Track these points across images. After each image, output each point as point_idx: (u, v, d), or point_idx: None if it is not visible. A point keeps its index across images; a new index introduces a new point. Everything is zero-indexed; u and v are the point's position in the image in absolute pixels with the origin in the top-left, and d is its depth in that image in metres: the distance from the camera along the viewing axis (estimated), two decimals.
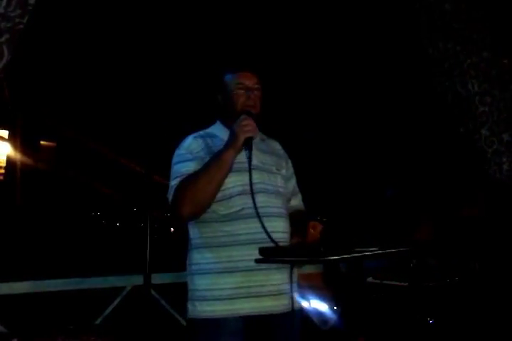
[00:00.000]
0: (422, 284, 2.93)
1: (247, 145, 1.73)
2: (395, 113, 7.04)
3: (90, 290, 2.79)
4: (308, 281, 1.95)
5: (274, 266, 1.73)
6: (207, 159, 1.77)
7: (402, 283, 2.96)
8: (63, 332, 2.00)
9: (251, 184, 1.70)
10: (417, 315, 2.84)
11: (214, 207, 1.76)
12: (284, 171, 1.95)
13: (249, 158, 1.74)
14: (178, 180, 1.76)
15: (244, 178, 1.76)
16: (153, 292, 2.86)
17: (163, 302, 2.95)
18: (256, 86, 1.88)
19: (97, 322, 2.74)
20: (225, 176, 1.73)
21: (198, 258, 1.80)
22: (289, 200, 1.97)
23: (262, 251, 1.52)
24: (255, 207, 1.69)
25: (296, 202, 2.02)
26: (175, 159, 1.85)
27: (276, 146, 2.04)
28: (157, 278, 2.87)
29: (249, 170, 1.72)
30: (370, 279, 3.05)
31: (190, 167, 1.77)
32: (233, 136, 1.73)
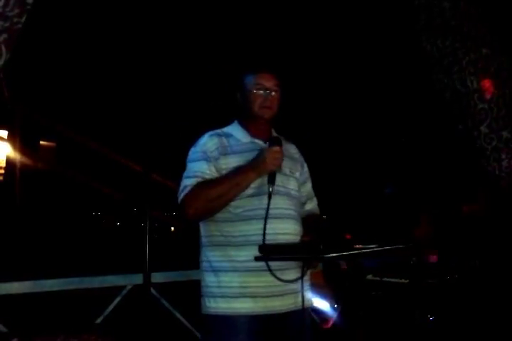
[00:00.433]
0: (422, 281, 2.93)
1: (271, 177, 1.75)
2: (394, 110, 7.04)
3: (90, 290, 2.79)
4: (308, 279, 1.95)
5: (284, 266, 1.74)
6: (220, 159, 1.80)
7: (402, 281, 2.96)
8: (64, 332, 2.00)
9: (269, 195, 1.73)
10: (417, 312, 2.85)
11: (226, 206, 1.77)
12: (298, 174, 1.96)
13: (270, 193, 1.75)
14: (192, 180, 1.78)
15: (258, 180, 1.78)
16: (153, 291, 2.86)
17: (163, 301, 2.95)
18: (274, 87, 1.89)
19: (98, 321, 2.75)
20: (238, 194, 1.75)
21: (209, 255, 1.82)
22: (303, 204, 1.98)
23: (261, 248, 1.52)
24: (267, 209, 1.71)
25: (311, 205, 2.03)
26: (190, 156, 1.87)
27: (292, 150, 2.04)
28: (157, 277, 2.88)
29: (269, 195, 1.73)
30: (370, 276, 3.05)
31: (203, 167, 1.79)
32: (261, 162, 1.74)
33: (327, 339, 3.22)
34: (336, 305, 3.24)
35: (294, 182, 1.92)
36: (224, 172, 1.79)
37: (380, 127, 7.67)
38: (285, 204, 1.82)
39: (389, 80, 6.89)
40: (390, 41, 5.95)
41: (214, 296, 1.77)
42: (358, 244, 1.48)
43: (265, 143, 1.87)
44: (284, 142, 2.00)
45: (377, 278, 3.01)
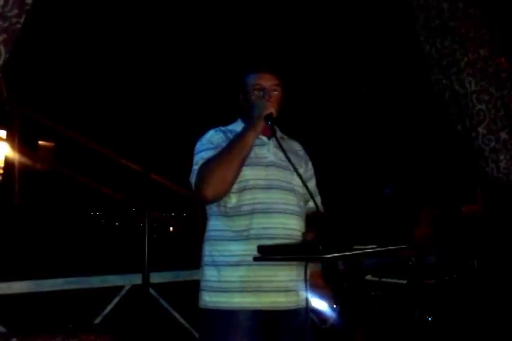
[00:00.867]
0: (421, 282, 2.93)
1: (269, 122, 1.75)
2: (393, 111, 7.04)
3: (89, 290, 2.79)
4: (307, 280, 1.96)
5: (282, 262, 1.74)
6: None
7: (401, 281, 2.97)
8: (63, 331, 2.00)
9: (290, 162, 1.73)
10: (416, 313, 2.85)
11: (225, 199, 1.78)
12: (302, 170, 1.95)
13: (274, 131, 1.77)
14: (201, 163, 1.78)
15: (259, 173, 1.80)
16: (152, 291, 2.86)
17: (162, 301, 2.96)
18: (273, 87, 1.90)
19: (96, 321, 2.74)
20: (246, 157, 1.75)
21: (210, 250, 1.83)
22: (307, 201, 1.98)
23: (260, 248, 1.52)
24: (267, 203, 1.73)
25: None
26: (197, 149, 1.88)
27: (296, 147, 2.05)
28: (156, 277, 2.88)
29: (281, 147, 1.75)
30: (369, 277, 3.05)
31: (210, 153, 1.80)
32: (252, 118, 1.77)
33: (326, 339, 3.23)
34: (334, 306, 3.24)
35: (298, 178, 1.93)
36: None
37: (380, 127, 7.67)
38: (289, 199, 1.83)
39: (388, 81, 6.90)
40: (389, 41, 5.96)
41: (214, 290, 1.78)
42: (357, 245, 1.48)
43: (269, 139, 1.89)
44: (287, 139, 2.01)
45: (376, 279, 3.01)
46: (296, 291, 1.78)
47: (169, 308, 3.00)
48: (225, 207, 1.80)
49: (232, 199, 1.78)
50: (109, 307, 2.79)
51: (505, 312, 2.75)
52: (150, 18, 6.94)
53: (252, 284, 1.74)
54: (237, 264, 1.75)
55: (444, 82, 3.11)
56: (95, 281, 2.81)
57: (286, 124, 1.98)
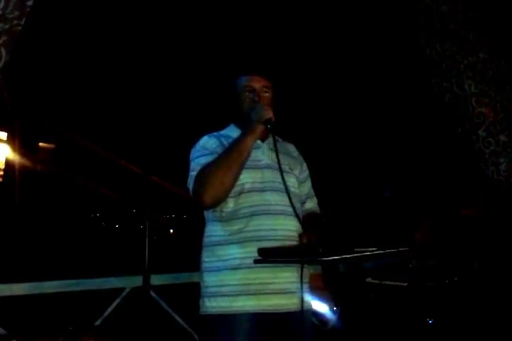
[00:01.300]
0: (422, 284, 2.93)
1: (268, 125, 1.75)
2: (393, 113, 7.05)
3: (89, 292, 2.79)
4: (307, 282, 1.96)
5: (282, 264, 1.74)
6: None
7: (402, 283, 2.96)
8: (63, 334, 2.00)
9: (279, 163, 1.73)
10: (416, 315, 2.85)
11: (222, 204, 1.78)
12: (297, 172, 1.96)
13: (274, 138, 1.77)
14: (199, 169, 1.78)
15: (256, 175, 1.80)
16: (152, 293, 2.86)
17: (162, 303, 2.95)
18: (264, 89, 1.90)
19: (97, 323, 2.74)
20: (245, 161, 1.75)
21: (209, 255, 1.82)
22: (303, 203, 1.98)
23: (260, 251, 1.52)
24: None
25: (311, 204, 2.02)
26: (193, 155, 1.88)
27: (291, 148, 2.05)
28: (156, 280, 2.87)
29: (275, 149, 1.75)
30: (369, 279, 3.05)
31: (208, 160, 1.79)
32: (251, 122, 1.76)
33: None
34: (335, 308, 3.24)
35: (294, 180, 1.92)
36: None
37: (380, 130, 7.68)
38: (286, 201, 1.81)
39: (388, 84, 6.91)
40: (389, 45, 5.97)
41: (214, 296, 1.77)
42: (358, 247, 1.48)
43: (263, 142, 1.89)
44: (282, 141, 2.01)
45: (377, 281, 3.01)
46: (296, 293, 1.78)
47: (170, 310, 3.00)
48: (221, 211, 1.79)
49: (230, 204, 1.78)
50: (109, 310, 2.79)
51: (506, 314, 2.74)
52: (146, 25, 6.96)
53: (253, 287, 1.73)
54: (237, 268, 1.74)
55: (444, 84, 3.12)
56: (96, 283, 2.81)
57: (284, 126, 1.98)
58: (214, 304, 1.76)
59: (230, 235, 1.77)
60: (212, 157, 1.78)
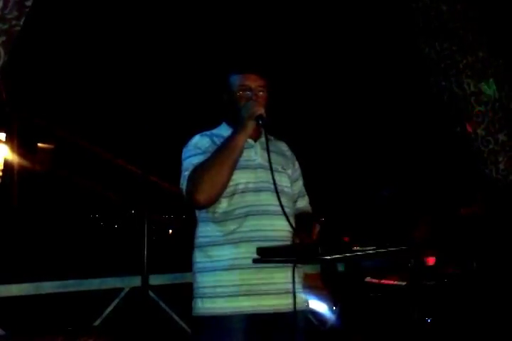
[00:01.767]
0: (420, 283, 2.93)
1: (260, 121, 1.73)
2: (392, 113, 7.05)
3: (89, 292, 2.79)
4: (306, 282, 1.95)
5: (278, 264, 1.72)
6: None
7: (400, 283, 2.96)
8: (62, 334, 2.00)
9: (270, 163, 1.71)
10: (415, 314, 2.85)
11: (215, 204, 1.76)
12: (290, 171, 1.94)
13: (261, 133, 1.75)
14: (191, 169, 1.75)
15: (250, 176, 1.78)
16: (151, 293, 2.86)
17: (161, 303, 2.95)
18: (259, 88, 1.87)
19: (96, 323, 2.74)
20: (238, 159, 1.73)
21: (201, 256, 1.80)
22: (295, 201, 1.97)
23: (259, 251, 1.52)
24: (257, 205, 1.72)
25: (303, 203, 2.01)
26: (185, 154, 1.85)
27: (283, 147, 2.03)
28: (155, 280, 2.87)
29: (267, 149, 1.73)
30: (368, 278, 3.05)
31: (201, 159, 1.76)
32: (242, 119, 1.74)
33: None
34: (334, 307, 3.24)
35: (286, 179, 1.91)
36: None
37: (379, 129, 7.68)
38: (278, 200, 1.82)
39: (387, 83, 6.91)
40: (388, 44, 5.98)
41: (208, 296, 1.74)
42: (357, 246, 1.48)
43: (255, 141, 1.87)
44: (274, 140, 2.00)
45: (375, 280, 3.01)
46: (291, 293, 1.77)
47: (168, 310, 3.00)
48: (214, 212, 1.77)
49: (223, 204, 1.76)
50: (108, 310, 2.79)
51: (505, 313, 2.75)
52: (141, 25, 6.97)
53: (247, 288, 1.71)
54: (230, 268, 1.73)
55: (443, 83, 3.12)
56: (94, 283, 2.81)
57: (280, 125, 1.97)
58: (207, 305, 1.74)
59: (223, 236, 1.76)
60: (205, 156, 1.76)
